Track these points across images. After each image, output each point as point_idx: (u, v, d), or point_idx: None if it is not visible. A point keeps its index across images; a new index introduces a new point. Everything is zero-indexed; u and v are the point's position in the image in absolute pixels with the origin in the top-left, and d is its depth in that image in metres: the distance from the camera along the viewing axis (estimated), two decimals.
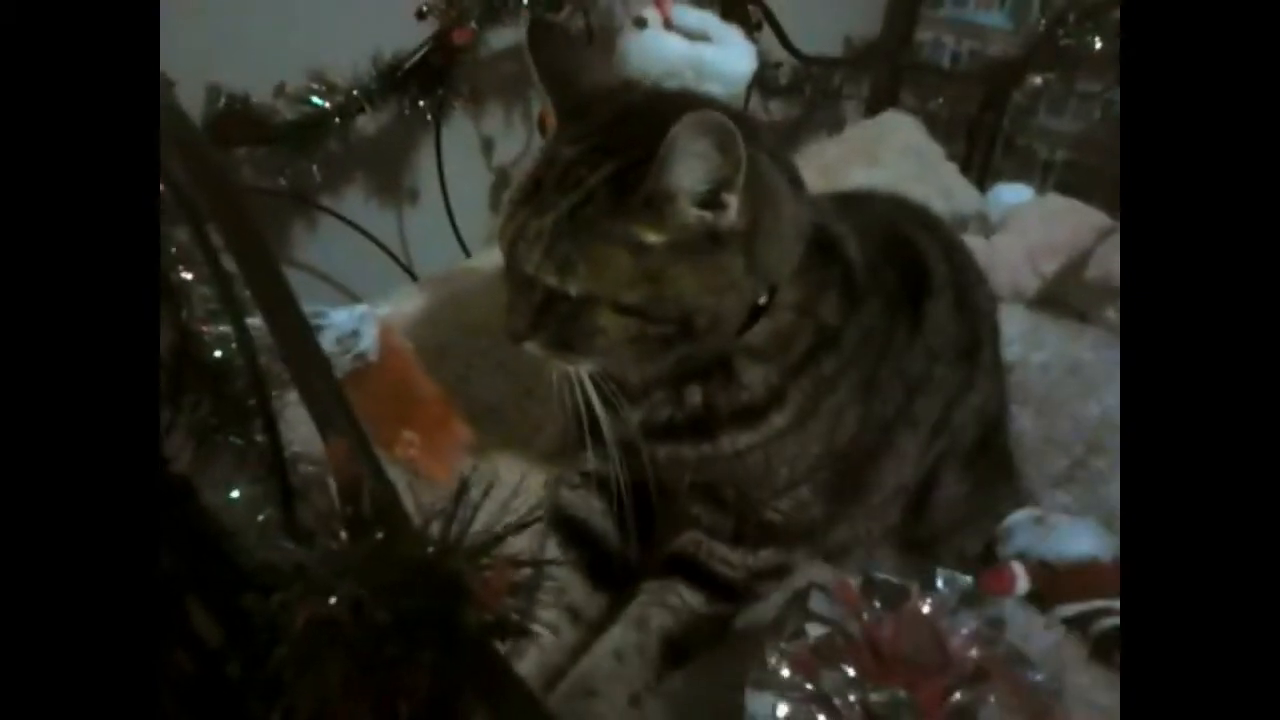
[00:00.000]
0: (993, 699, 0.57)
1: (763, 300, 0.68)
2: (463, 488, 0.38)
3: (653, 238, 0.61)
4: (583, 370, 0.67)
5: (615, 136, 0.63)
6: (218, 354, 0.67)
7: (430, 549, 0.38)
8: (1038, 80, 1.60)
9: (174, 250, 0.67)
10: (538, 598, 0.54)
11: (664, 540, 0.82)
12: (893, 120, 1.69)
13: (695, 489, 0.77)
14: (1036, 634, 0.81)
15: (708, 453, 0.72)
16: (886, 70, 1.78)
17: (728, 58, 1.28)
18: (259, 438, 0.64)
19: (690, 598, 0.76)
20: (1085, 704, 0.72)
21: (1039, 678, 0.62)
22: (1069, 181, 1.76)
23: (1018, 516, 0.95)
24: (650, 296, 0.62)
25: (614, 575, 0.81)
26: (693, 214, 0.61)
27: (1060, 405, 1.19)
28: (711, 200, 0.61)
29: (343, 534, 0.39)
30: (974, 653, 0.61)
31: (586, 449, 0.73)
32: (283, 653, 0.42)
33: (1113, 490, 1.03)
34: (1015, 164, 1.83)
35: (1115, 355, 1.28)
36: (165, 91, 0.91)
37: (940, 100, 1.77)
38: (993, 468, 0.93)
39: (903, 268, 0.79)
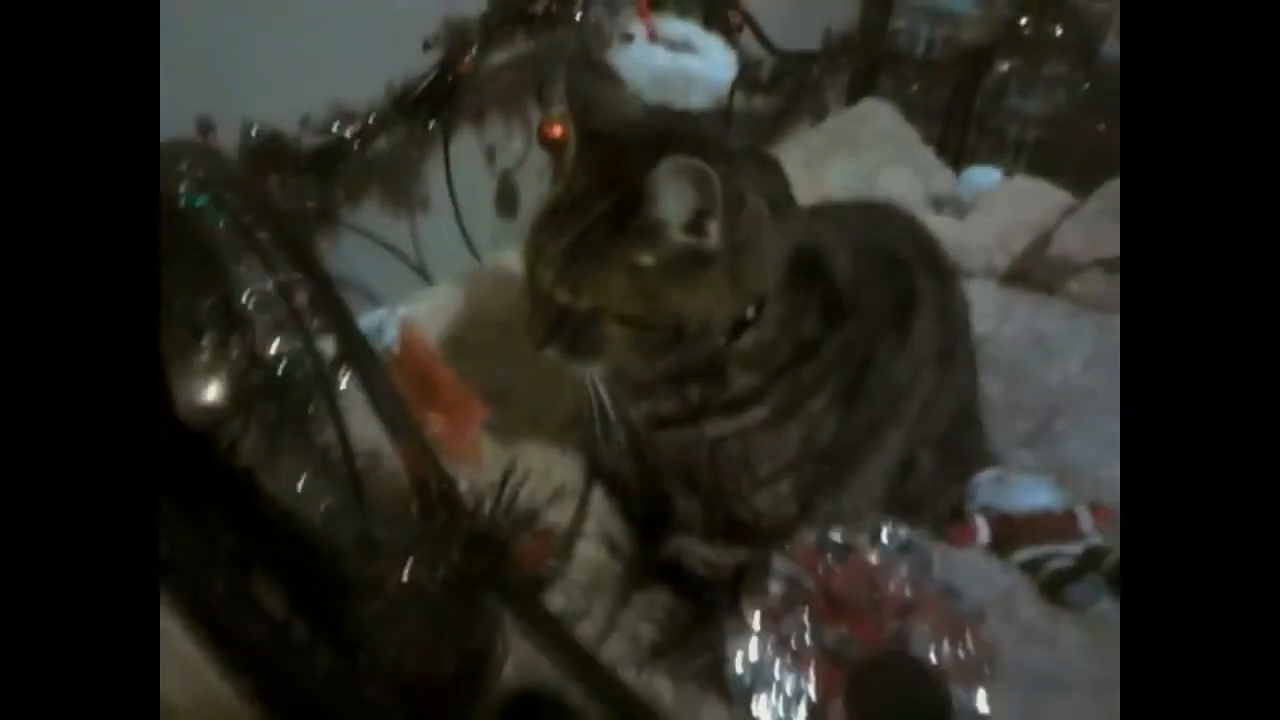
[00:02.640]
0: (924, 626, 0.69)
1: (751, 314, 0.77)
2: (506, 475, 0.49)
3: (647, 260, 0.70)
4: (594, 372, 0.77)
5: (618, 169, 0.73)
6: (280, 371, 0.78)
7: (483, 525, 0.49)
8: (1004, 66, 1.70)
9: (239, 282, 0.78)
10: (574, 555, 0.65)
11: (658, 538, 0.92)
12: (870, 108, 1.79)
13: (674, 471, 0.87)
14: (995, 577, 0.92)
15: (692, 438, 0.82)
16: (863, 60, 1.88)
17: (709, 67, 1.38)
18: (317, 439, 0.75)
19: (675, 609, 0.87)
20: (1032, 632, 0.84)
21: (964, 605, 0.75)
22: (1039, 159, 1.87)
23: (983, 476, 1.06)
24: (646, 309, 0.71)
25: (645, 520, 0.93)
26: (679, 239, 0.70)
27: (1026, 373, 1.30)
28: (697, 226, 0.70)
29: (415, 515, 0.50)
30: (907, 591, 0.73)
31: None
32: (367, 611, 0.53)
33: (1071, 448, 1.14)
34: (989, 144, 1.93)
35: (1076, 325, 1.39)
36: (209, 135, 1.02)
37: (915, 87, 1.86)
38: (965, 439, 1.03)
39: (892, 286, 0.89)
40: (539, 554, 0.47)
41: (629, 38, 1.33)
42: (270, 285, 0.73)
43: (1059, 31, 1.60)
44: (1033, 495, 1.00)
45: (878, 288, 0.86)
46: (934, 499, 1.02)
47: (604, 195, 0.72)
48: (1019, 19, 1.64)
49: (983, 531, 0.98)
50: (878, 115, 1.79)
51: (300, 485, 0.78)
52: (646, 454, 0.85)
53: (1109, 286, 1.37)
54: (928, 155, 1.77)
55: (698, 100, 1.37)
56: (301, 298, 0.68)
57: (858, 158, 1.68)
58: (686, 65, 1.34)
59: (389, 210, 1.39)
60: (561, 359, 0.76)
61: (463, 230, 1.43)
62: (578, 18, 1.29)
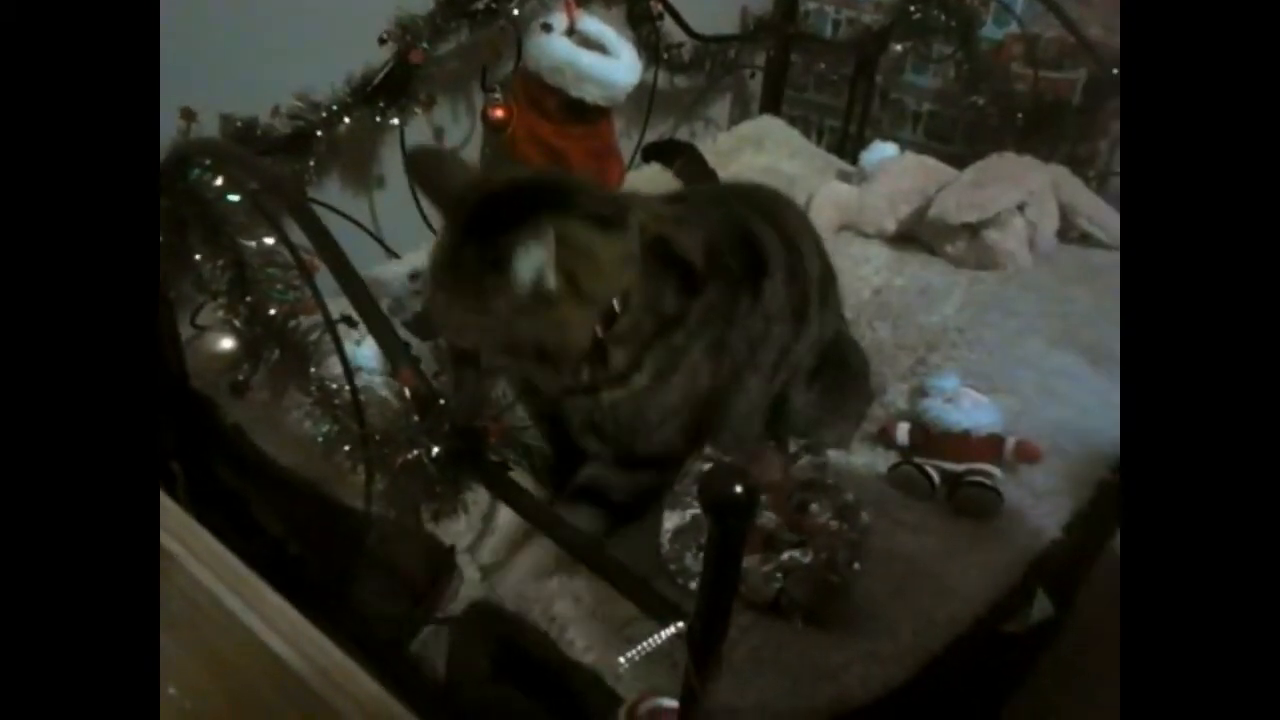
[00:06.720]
0: (823, 499, 0.90)
1: (618, 306, 0.92)
2: (480, 388, 0.67)
3: (501, 304, 0.85)
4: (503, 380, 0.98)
5: (473, 228, 0.87)
6: (284, 321, 0.94)
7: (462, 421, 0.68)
8: (898, 47, 1.91)
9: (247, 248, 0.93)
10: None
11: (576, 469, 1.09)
12: (768, 122, 2.09)
13: (585, 426, 1.03)
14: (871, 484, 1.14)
15: (592, 404, 0.99)
16: (776, 41, 2.06)
17: (606, 68, 1.51)
18: (313, 370, 0.91)
19: (591, 519, 1.03)
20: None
21: (849, 495, 0.96)
22: (934, 128, 2.09)
23: (936, 392, 1.22)
24: (508, 342, 0.89)
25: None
26: (523, 286, 0.83)
27: (911, 317, 1.52)
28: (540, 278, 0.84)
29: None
30: (808, 476, 0.94)
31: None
32: (380, 487, 0.71)
33: (942, 380, 1.35)
34: (891, 114, 2.14)
35: (954, 278, 1.62)
36: (191, 124, 1.16)
37: (823, 65, 2.06)
38: (837, 378, 1.21)
39: (746, 256, 1.06)
40: (499, 437, 0.66)
41: (548, 27, 1.48)
42: (277, 246, 0.90)
43: (942, 18, 1.80)
44: (972, 416, 1.17)
45: (733, 257, 1.03)
46: (819, 431, 1.19)
47: (462, 252, 0.87)
48: (909, 5, 1.84)
49: (901, 435, 1.18)
50: (773, 126, 2.09)
51: (304, 413, 0.95)
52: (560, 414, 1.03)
53: (972, 247, 1.60)
54: (817, 150, 2.06)
55: (593, 97, 1.51)
56: (304, 255, 0.84)
57: (763, 153, 1.97)
58: (580, 60, 1.48)
59: (350, 187, 1.55)
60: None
61: (417, 203, 1.59)
62: (515, 12, 1.45)
